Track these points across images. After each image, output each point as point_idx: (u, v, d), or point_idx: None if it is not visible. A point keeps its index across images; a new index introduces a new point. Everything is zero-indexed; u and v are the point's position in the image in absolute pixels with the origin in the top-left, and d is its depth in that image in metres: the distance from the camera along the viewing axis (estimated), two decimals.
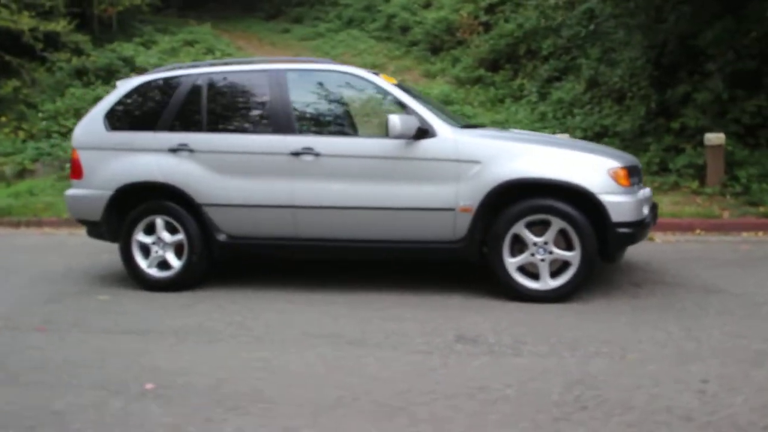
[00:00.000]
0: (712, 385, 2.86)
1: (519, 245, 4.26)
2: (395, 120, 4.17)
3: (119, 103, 4.96)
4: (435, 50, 15.57)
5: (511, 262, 4.24)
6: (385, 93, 4.55)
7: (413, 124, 4.24)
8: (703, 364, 3.10)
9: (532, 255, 4.21)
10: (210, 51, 15.35)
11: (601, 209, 4.07)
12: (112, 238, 4.98)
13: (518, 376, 3.03)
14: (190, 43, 15.59)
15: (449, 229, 4.30)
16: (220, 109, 4.82)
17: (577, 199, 4.12)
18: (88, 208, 4.95)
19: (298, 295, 4.58)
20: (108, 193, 4.81)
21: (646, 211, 4.32)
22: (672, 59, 8.27)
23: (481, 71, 13.52)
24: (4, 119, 11.56)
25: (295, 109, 4.61)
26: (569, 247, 4.17)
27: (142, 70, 12.93)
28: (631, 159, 4.51)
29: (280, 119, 4.56)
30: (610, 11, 10.23)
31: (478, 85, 13.36)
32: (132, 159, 4.79)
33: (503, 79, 13.11)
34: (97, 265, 5.91)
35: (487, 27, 14.31)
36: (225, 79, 4.84)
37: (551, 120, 10.46)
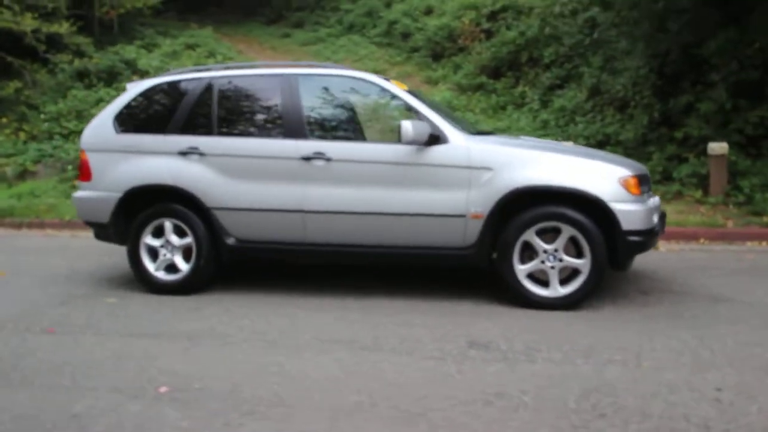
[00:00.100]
0: (728, 393, 2.88)
1: (529, 252, 4.28)
2: (408, 126, 4.19)
3: (129, 105, 4.96)
4: (436, 57, 15.61)
5: (521, 269, 4.25)
6: (397, 99, 4.57)
7: (425, 130, 4.25)
8: (719, 372, 3.12)
9: (542, 262, 4.23)
10: (211, 54, 15.36)
11: (612, 217, 4.09)
12: (119, 241, 4.98)
13: (534, 383, 3.04)
14: (192, 47, 15.60)
15: (459, 235, 4.31)
16: (231, 113, 4.83)
17: (587, 207, 4.14)
18: (96, 211, 4.94)
19: (306, 300, 4.58)
20: (117, 195, 4.81)
21: (655, 219, 4.35)
22: (675, 69, 8.32)
23: (483, 78, 13.56)
24: (5, 120, 11.54)
25: (307, 114, 4.62)
26: (579, 254, 4.19)
27: (144, 73, 12.95)
28: (640, 167, 4.54)
29: (291, 124, 4.57)
30: (611, 21, 10.31)
31: (480, 92, 13.39)
32: (141, 162, 4.79)
33: (505, 86, 13.15)
34: (102, 267, 5.90)
35: (489, 34, 14.35)
36: (236, 83, 4.85)
37: (553, 128, 10.50)
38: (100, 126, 4.98)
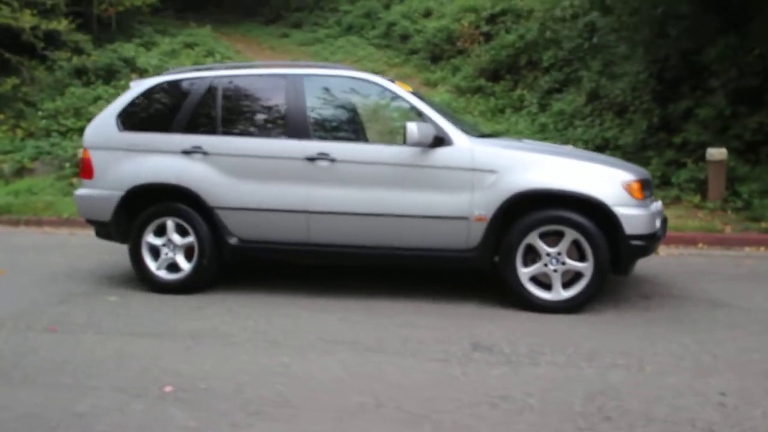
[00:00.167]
0: (732, 398, 2.90)
1: (532, 255, 4.29)
2: (413, 128, 4.20)
3: (132, 103, 4.95)
4: (435, 59, 15.63)
5: (524, 272, 4.26)
6: (402, 100, 4.57)
7: (430, 132, 4.26)
8: (721, 377, 3.14)
9: (545, 265, 4.24)
10: (210, 54, 15.33)
11: (615, 221, 4.11)
12: (121, 239, 4.96)
13: (539, 386, 3.05)
14: (190, 46, 15.56)
15: (463, 237, 4.32)
16: (235, 113, 4.83)
17: (591, 210, 4.15)
18: (97, 209, 4.93)
19: (308, 301, 4.58)
20: (119, 193, 4.80)
21: (658, 224, 4.37)
22: (675, 74, 8.36)
23: (482, 81, 13.58)
24: (2, 117, 11.49)
25: (311, 115, 4.62)
26: (582, 258, 4.21)
27: (142, 71, 12.91)
28: (643, 172, 4.56)
29: (295, 124, 4.57)
30: (611, 25, 10.36)
31: (479, 95, 13.42)
32: (144, 160, 4.78)
33: (503, 89, 13.17)
34: (102, 266, 5.88)
35: (488, 37, 14.38)
36: (240, 82, 4.85)
37: (552, 131, 10.53)
38: (103, 124, 4.97)
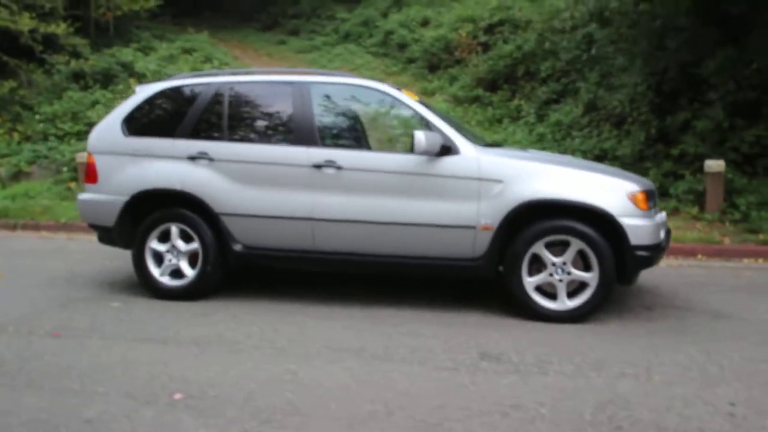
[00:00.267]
0: (741, 408, 2.91)
1: (537, 265, 4.30)
2: (420, 136, 4.21)
3: (138, 108, 4.94)
4: (432, 68, 15.70)
5: (530, 282, 4.27)
6: (409, 109, 4.59)
7: (437, 141, 4.28)
8: (729, 387, 3.16)
9: (551, 275, 4.25)
10: (208, 59, 15.33)
11: (621, 232, 4.13)
12: (124, 245, 4.94)
13: (549, 395, 3.06)
14: (188, 51, 15.56)
15: (469, 246, 4.33)
16: (242, 119, 4.83)
17: (596, 221, 4.18)
18: (101, 213, 4.91)
19: (312, 308, 4.57)
20: (123, 198, 4.78)
21: (662, 235, 4.40)
22: (673, 86, 8.44)
23: (479, 91, 13.63)
24: None
25: (318, 122, 4.63)
26: (587, 268, 4.23)
27: (140, 76, 12.89)
28: (648, 183, 4.59)
29: (302, 131, 4.57)
30: (609, 37, 10.45)
31: (476, 105, 13.46)
32: (149, 165, 4.77)
33: (501, 99, 13.23)
34: (102, 271, 5.85)
35: (486, 47, 14.46)
36: (247, 89, 4.85)
37: (550, 141, 10.57)
38: (108, 128, 4.96)
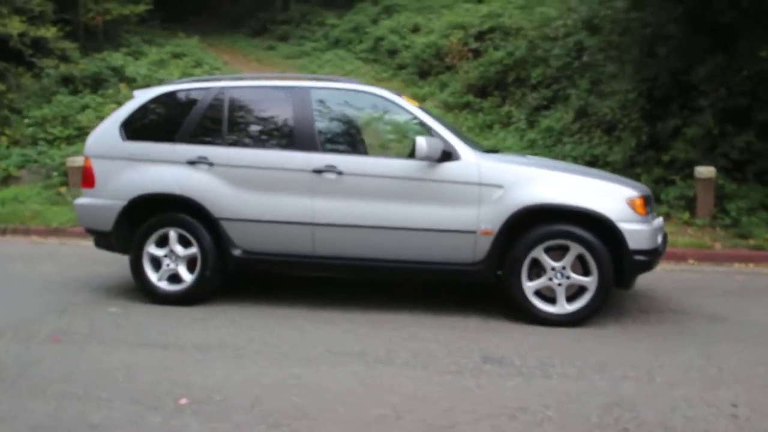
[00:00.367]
0: (743, 409, 2.96)
1: (536, 269, 4.34)
2: (422, 142, 4.24)
3: (136, 112, 4.92)
4: (423, 74, 15.77)
5: (529, 286, 4.30)
6: (410, 115, 4.61)
7: (438, 146, 4.30)
8: (730, 389, 3.20)
9: (550, 279, 4.29)
10: (198, 64, 15.30)
11: (619, 237, 4.18)
12: (122, 250, 4.91)
13: (554, 398, 3.08)
14: (178, 56, 15.52)
15: (469, 251, 4.35)
16: (242, 124, 4.83)
17: (595, 225, 4.22)
18: (98, 218, 4.87)
19: (312, 312, 4.56)
20: (121, 203, 4.76)
21: (659, 239, 4.45)
22: (663, 93, 8.54)
23: (470, 97, 13.71)
24: None
25: (319, 127, 4.64)
26: (586, 272, 4.26)
27: (131, 81, 12.82)
28: (645, 188, 4.64)
29: (303, 136, 4.58)
30: (599, 45, 10.56)
31: (467, 111, 13.54)
32: (148, 170, 4.75)
33: (491, 105, 13.31)
34: (97, 276, 5.79)
35: (477, 54, 14.55)
36: (247, 93, 4.85)
37: (541, 148, 10.64)
38: (106, 133, 4.93)
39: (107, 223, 4.82)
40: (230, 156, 4.64)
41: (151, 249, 4.77)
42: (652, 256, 4.30)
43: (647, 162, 8.68)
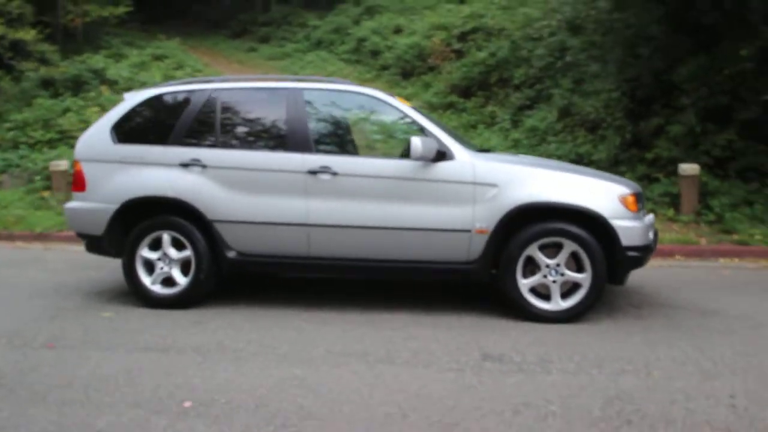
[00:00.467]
0: (741, 399, 3.03)
1: (531, 267, 4.39)
2: (417, 142, 4.26)
3: (127, 115, 4.88)
4: (406, 75, 15.83)
5: (524, 284, 4.35)
6: (404, 115, 4.63)
7: (433, 146, 4.33)
8: (726, 380, 3.27)
9: (545, 276, 4.34)
10: (180, 66, 15.21)
11: (612, 233, 4.24)
12: (114, 254, 4.87)
13: (556, 393, 3.12)
14: (159, 58, 15.41)
15: (464, 250, 4.39)
16: (235, 126, 4.81)
17: (589, 223, 4.28)
18: (90, 222, 4.82)
19: (308, 313, 4.56)
20: (113, 206, 4.71)
21: (651, 236, 4.53)
22: (646, 93, 8.68)
23: (453, 97, 13.80)
24: None
25: (312, 128, 4.64)
26: (580, 269, 4.32)
27: (112, 83, 12.71)
28: (636, 186, 4.71)
29: (297, 137, 4.58)
30: (581, 45, 10.70)
31: (450, 111, 13.62)
32: (140, 173, 4.71)
33: (475, 105, 13.41)
34: (88, 280, 5.72)
35: (460, 54, 14.65)
36: (240, 95, 4.83)
37: (525, 147, 10.74)
38: (97, 136, 4.88)
39: (99, 227, 4.77)
40: (224, 158, 4.63)
41: (145, 252, 4.74)
42: (644, 252, 4.37)
43: (631, 160, 8.82)
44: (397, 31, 17.55)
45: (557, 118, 10.81)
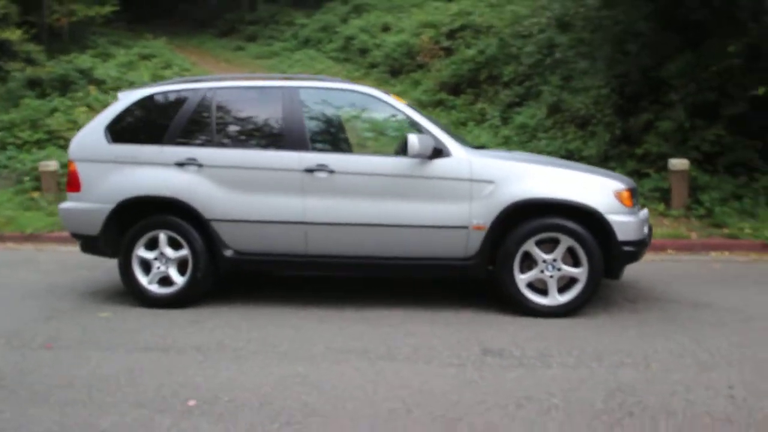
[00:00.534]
0: (739, 390, 3.08)
1: (528, 262, 4.42)
2: (414, 139, 4.28)
3: (122, 115, 4.85)
4: (395, 73, 15.82)
5: (522, 279, 4.38)
6: (400, 113, 4.64)
7: (430, 143, 4.35)
8: (723, 372, 3.32)
9: (542, 272, 4.37)
10: (168, 66, 15.11)
11: (608, 228, 4.29)
12: (110, 254, 4.84)
13: (557, 387, 3.16)
14: (147, 57, 15.30)
15: (462, 246, 4.41)
16: (231, 125, 4.80)
17: (585, 218, 4.32)
18: (85, 222, 4.80)
19: (305, 311, 4.57)
20: (109, 206, 4.69)
21: (646, 230, 4.58)
22: (635, 89, 8.76)
23: (443, 95, 13.81)
24: None
25: (309, 127, 4.64)
26: (576, 264, 4.36)
27: (100, 83, 12.60)
28: (630, 181, 4.77)
29: (293, 136, 4.58)
30: (569, 43, 10.77)
31: (440, 108, 13.64)
32: (136, 172, 4.69)
33: (464, 102, 13.43)
34: (82, 281, 5.68)
35: (448, 52, 14.67)
36: (236, 94, 4.82)
37: (515, 144, 10.79)
38: (91, 136, 4.85)
39: (94, 228, 4.75)
40: (220, 157, 4.62)
41: (141, 252, 4.72)
42: (639, 247, 4.42)
43: (621, 156, 8.89)
44: (385, 29, 17.54)
45: (546, 115, 10.86)
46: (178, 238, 4.66)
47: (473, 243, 4.39)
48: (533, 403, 2.98)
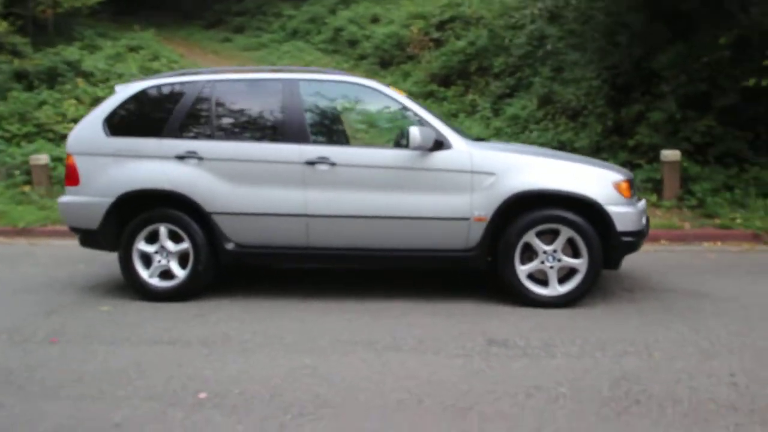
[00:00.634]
0: (741, 378, 3.14)
1: (528, 253, 4.47)
2: (415, 132, 4.30)
3: (120, 108, 4.82)
4: (384, 64, 15.79)
5: (522, 270, 4.43)
6: (400, 105, 4.67)
7: (431, 135, 4.38)
8: (724, 360, 3.39)
9: (542, 263, 4.42)
10: (156, 58, 14.96)
11: (607, 219, 4.34)
12: (110, 247, 4.83)
13: (564, 376, 3.21)
14: (134, 49, 15.12)
15: (463, 238, 4.45)
16: (231, 117, 4.79)
17: (584, 209, 4.37)
18: (84, 216, 4.77)
19: (306, 303, 4.58)
20: (108, 200, 4.67)
21: (644, 221, 4.64)
22: (626, 80, 8.83)
23: (433, 86, 13.82)
24: None
25: (309, 119, 4.65)
26: (576, 254, 4.42)
27: (88, 75, 12.46)
28: (628, 172, 4.82)
29: (293, 128, 4.58)
30: (560, 33, 10.82)
31: (430, 100, 13.65)
32: (135, 166, 4.67)
33: (455, 94, 13.45)
34: (80, 275, 5.65)
35: (438, 43, 14.67)
36: (235, 86, 4.81)
37: (507, 135, 10.84)
38: (88, 129, 4.81)
39: (94, 222, 4.73)
40: (220, 149, 4.61)
41: (141, 245, 4.71)
42: (638, 237, 4.48)
43: (613, 147, 8.97)
44: (375, 20, 17.49)
45: (538, 106, 10.92)
46: (179, 231, 4.65)
47: (474, 234, 4.43)
48: (541, 392, 3.03)
